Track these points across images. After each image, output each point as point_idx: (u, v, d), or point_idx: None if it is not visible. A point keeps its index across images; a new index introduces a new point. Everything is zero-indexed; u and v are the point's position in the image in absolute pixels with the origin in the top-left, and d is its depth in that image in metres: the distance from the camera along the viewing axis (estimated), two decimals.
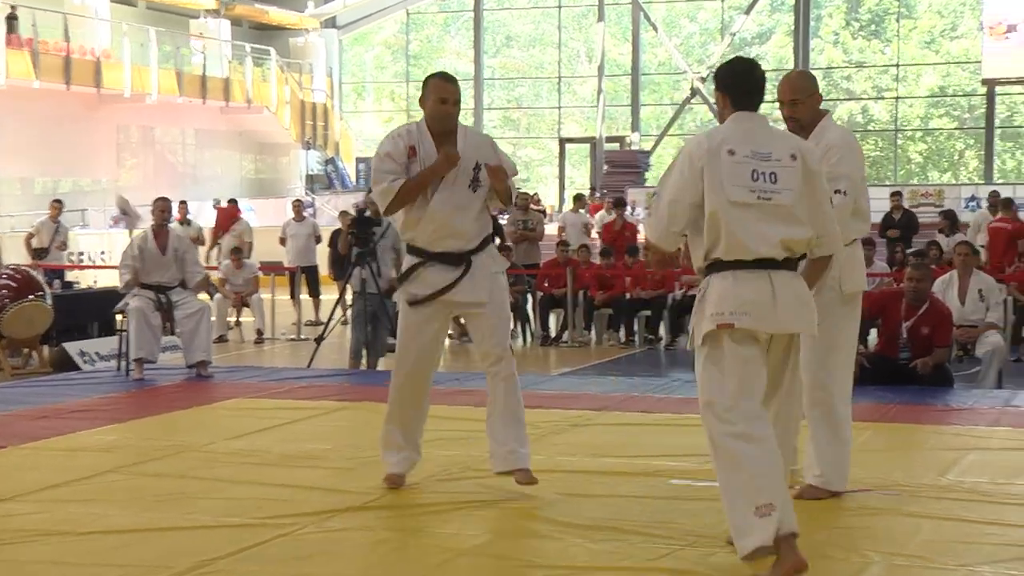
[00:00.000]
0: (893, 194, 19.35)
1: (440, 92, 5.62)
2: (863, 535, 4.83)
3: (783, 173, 4.33)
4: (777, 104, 5.40)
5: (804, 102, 5.30)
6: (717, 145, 4.34)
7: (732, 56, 4.85)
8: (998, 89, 32.75)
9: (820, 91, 5.39)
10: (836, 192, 4.92)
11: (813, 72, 34.26)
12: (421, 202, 5.54)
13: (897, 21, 34.88)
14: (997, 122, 33.58)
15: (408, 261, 5.70)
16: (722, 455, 4.23)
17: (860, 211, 5.22)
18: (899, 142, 35.77)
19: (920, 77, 35.82)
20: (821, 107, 5.40)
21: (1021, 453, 6.36)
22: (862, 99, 36.05)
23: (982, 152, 33.71)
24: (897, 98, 34.89)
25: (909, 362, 8.81)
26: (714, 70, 5.39)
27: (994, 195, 18.74)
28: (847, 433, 5.33)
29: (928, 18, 35.72)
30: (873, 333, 9.55)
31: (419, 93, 5.66)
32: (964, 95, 35.25)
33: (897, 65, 34.92)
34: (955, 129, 36.57)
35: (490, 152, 5.71)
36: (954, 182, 34.26)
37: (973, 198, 21.59)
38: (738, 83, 4.59)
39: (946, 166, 37.18)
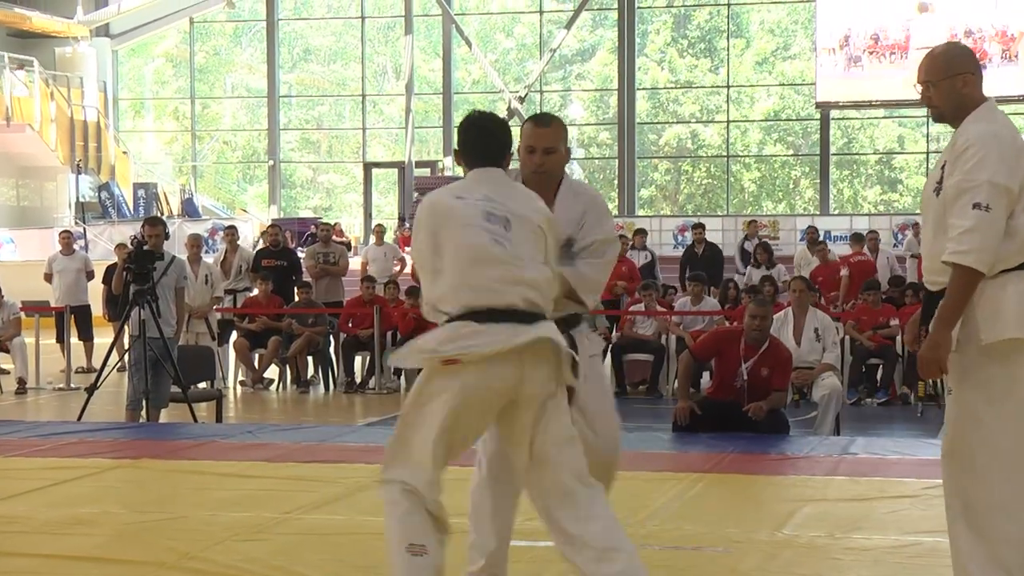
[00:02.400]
0: (695, 226, 19.79)
1: (527, 138, 4.99)
2: None
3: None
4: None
5: (938, 85, 4.60)
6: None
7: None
8: (833, 114, 34.03)
9: (972, 70, 4.61)
10: (975, 207, 4.35)
11: (640, 92, 35.07)
12: None
13: (728, 40, 35.94)
14: (833, 149, 34.87)
15: None
16: None
17: (1016, 230, 4.44)
18: (731, 169, 36.81)
19: (755, 101, 36.95)
20: (974, 95, 4.61)
21: (859, 504, 6.58)
22: (691, 123, 37.03)
23: (817, 180, 34.92)
24: (728, 122, 35.92)
25: (743, 406, 9.04)
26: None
27: (812, 231, 19.47)
28: None
29: (761, 37, 36.91)
30: (706, 376, 9.81)
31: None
32: (798, 119, 36.51)
33: (728, 87, 35.96)
34: (790, 156, 37.83)
35: (592, 222, 5.00)
36: (789, 212, 35.39)
37: (811, 229, 22.42)
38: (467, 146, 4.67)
39: (781, 195, 38.40)
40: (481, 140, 4.63)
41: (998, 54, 30.20)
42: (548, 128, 5.01)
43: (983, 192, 4.32)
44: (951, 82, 4.56)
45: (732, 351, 9.30)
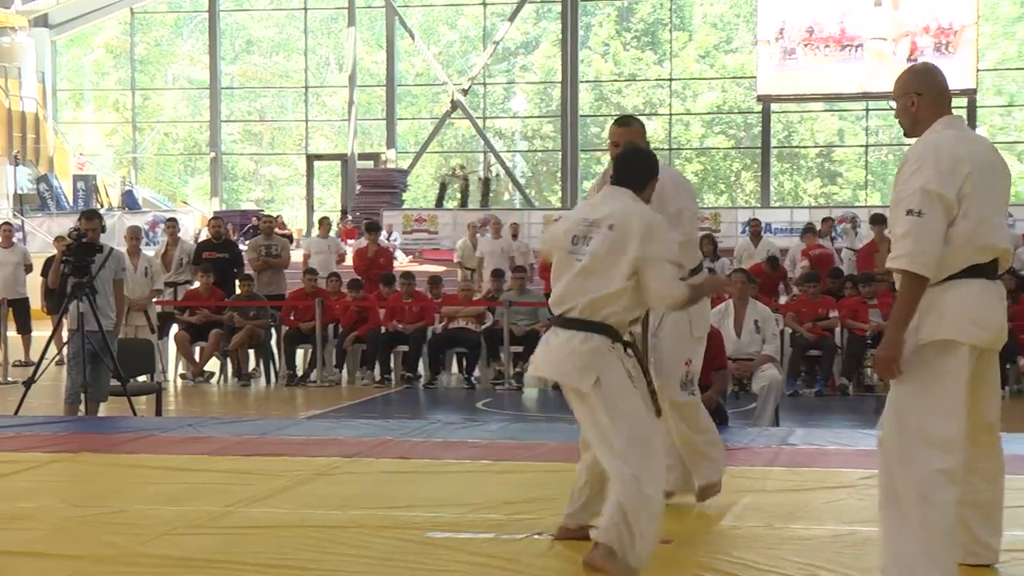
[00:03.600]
0: None
1: (611, 136, 6.04)
2: None
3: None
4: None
5: (896, 102, 5.02)
6: None
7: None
8: (774, 107, 34.26)
9: (921, 91, 4.94)
10: (908, 213, 4.68)
11: (584, 84, 35.10)
12: None
13: (671, 33, 36.08)
14: (774, 142, 35.10)
15: None
16: None
17: (952, 237, 4.71)
18: (674, 162, 36.97)
19: (698, 94, 37.11)
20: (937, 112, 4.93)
21: (797, 494, 6.63)
22: (634, 115, 37.09)
23: (759, 173, 35.15)
24: (672, 115, 36.05)
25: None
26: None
27: (755, 223, 19.58)
28: None
29: (703, 31, 37.09)
30: None
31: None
32: (740, 112, 36.71)
33: (671, 80, 36.11)
34: (731, 148, 38.03)
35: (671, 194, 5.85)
36: (731, 205, 35.61)
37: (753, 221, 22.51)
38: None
39: (723, 188, 38.62)
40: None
41: (930, 47, 30.56)
42: (627, 127, 6.01)
43: (916, 199, 4.64)
44: (903, 101, 4.97)
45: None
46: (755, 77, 33.12)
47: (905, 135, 5.03)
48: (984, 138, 5.25)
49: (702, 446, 6.19)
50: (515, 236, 22.17)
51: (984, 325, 4.74)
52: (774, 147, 35.19)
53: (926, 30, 30.91)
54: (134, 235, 15.65)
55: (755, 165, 35.98)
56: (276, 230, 19.25)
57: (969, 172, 4.69)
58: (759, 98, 33.27)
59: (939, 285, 4.68)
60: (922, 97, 4.92)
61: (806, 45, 31.96)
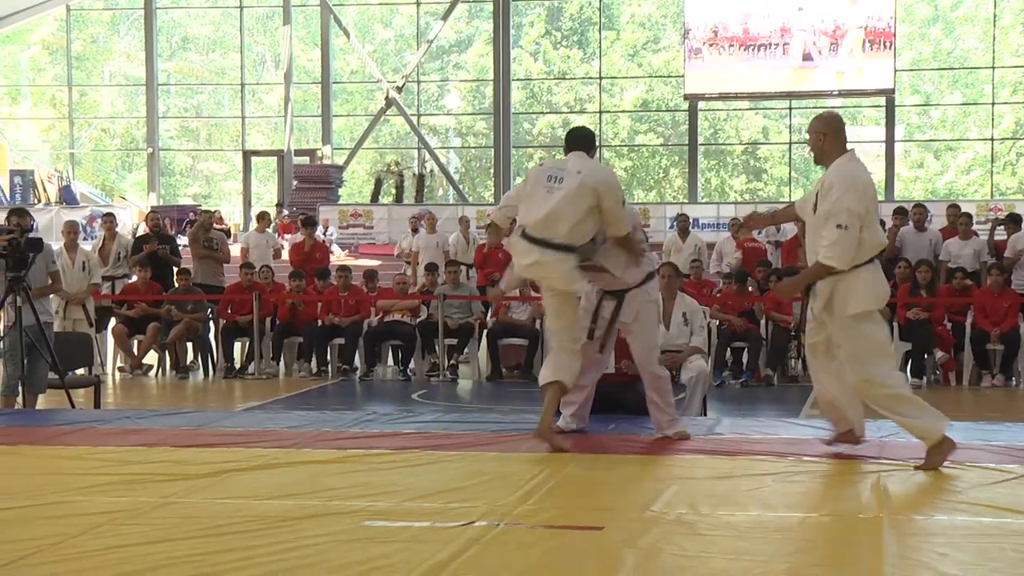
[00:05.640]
0: None
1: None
2: (565, 574, 4.97)
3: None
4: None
5: (809, 137, 7.17)
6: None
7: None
8: (701, 104, 34.44)
9: (827, 132, 7.07)
10: (838, 227, 6.82)
11: (515, 82, 35.08)
12: None
13: (599, 32, 36.18)
14: (700, 139, 35.29)
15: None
16: None
17: (863, 239, 6.95)
18: (604, 157, 37.06)
19: (625, 91, 37.24)
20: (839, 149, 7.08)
21: (724, 481, 6.67)
22: (563, 112, 37.19)
23: (686, 170, 35.33)
24: (600, 112, 36.15)
25: (608, 376, 9.13)
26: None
27: (683, 219, 19.67)
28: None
29: (631, 30, 37.22)
30: None
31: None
32: (668, 110, 36.87)
33: (600, 78, 36.21)
34: (660, 145, 38.19)
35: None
36: (659, 200, 35.77)
37: (681, 217, 22.65)
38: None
39: (651, 184, 38.77)
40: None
41: (859, 46, 30.87)
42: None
43: (843, 216, 6.81)
44: (814, 137, 7.12)
45: None
46: (682, 76, 33.28)
47: (815, 162, 7.26)
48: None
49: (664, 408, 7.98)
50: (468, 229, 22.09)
51: (883, 295, 7.14)
52: (701, 144, 35.37)
53: (851, 30, 31.19)
54: (71, 230, 15.48)
55: (683, 162, 36.16)
56: (214, 225, 19.12)
57: (872, 195, 7.00)
58: (686, 96, 33.42)
59: (852, 271, 6.89)
60: (827, 136, 7.06)
61: (731, 45, 32.16)
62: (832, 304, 6.96)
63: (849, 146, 7.13)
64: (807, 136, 7.21)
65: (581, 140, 7.55)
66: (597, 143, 7.72)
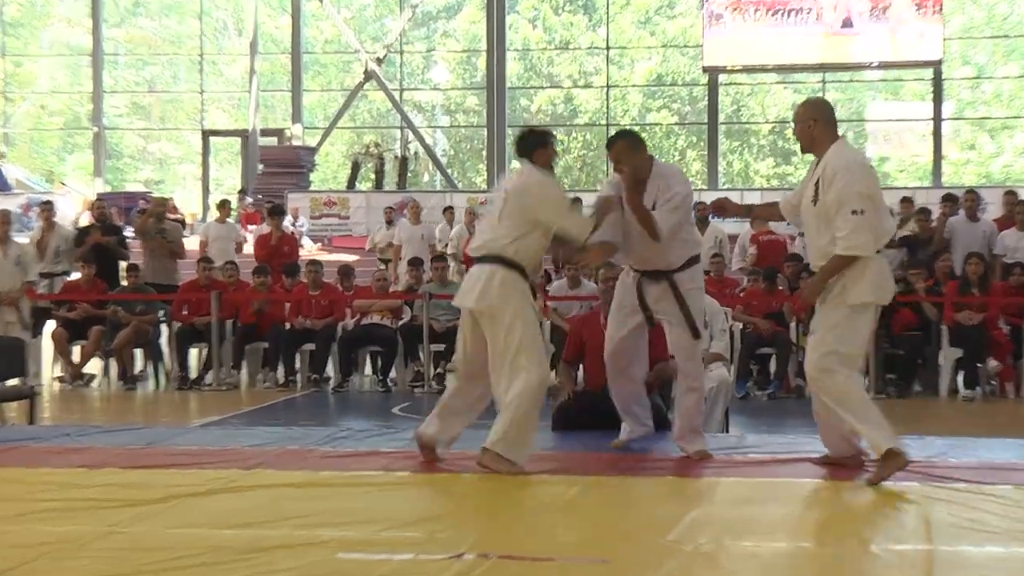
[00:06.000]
0: (572, 201, 19.57)
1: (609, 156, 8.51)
2: None
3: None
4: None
5: (796, 125, 7.57)
6: None
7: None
8: (722, 78, 34.44)
9: (817, 118, 7.47)
10: (853, 213, 7.14)
11: (511, 52, 35.09)
12: None
13: None
14: (721, 117, 35.29)
15: None
16: None
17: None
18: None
19: (636, 63, 37.24)
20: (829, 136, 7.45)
21: (749, 507, 6.64)
22: (566, 87, 37.18)
23: (705, 152, 35.34)
24: (608, 86, 36.15)
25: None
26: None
27: (701, 207, 19.60)
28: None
29: None
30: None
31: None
32: (684, 85, 36.87)
33: (607, 48, 36.21)
34: (675, 124, 38.21)
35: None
36: None
37: (699, 205, 22.55)
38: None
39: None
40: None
41: (909, 10, 30.83)
42: (612, 147, 8.33)
43: (856, 201, 7.12)
44: (802, 125, 7.49)
45: (594, 331, 9.34)
46: (701, 45, 33.27)
47: (802, 151, 7.62)
48: None
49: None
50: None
51: (889, 290, 7.44)
52: (722, 123, 35.39)
53: None
54: (4, 220, 15.45)
55: (701, 143, 36.17)
56: (168, 215, 19.09)
57: (877, 179, 7.46)
58: (705, 69, 33.41)
59: (861, 261, 7.19)
60: (817, 123, 7.41)
61: (757, 10, 32.14)
62: (832, 290, 7.29)
63: (841, 131, 7.52)
64: (793, 124, 7.60)
65: (519, 145, 8.10)
66: (548, 140, 8.06)
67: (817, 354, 7.32)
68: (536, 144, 7.98)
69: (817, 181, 7.30)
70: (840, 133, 7.53)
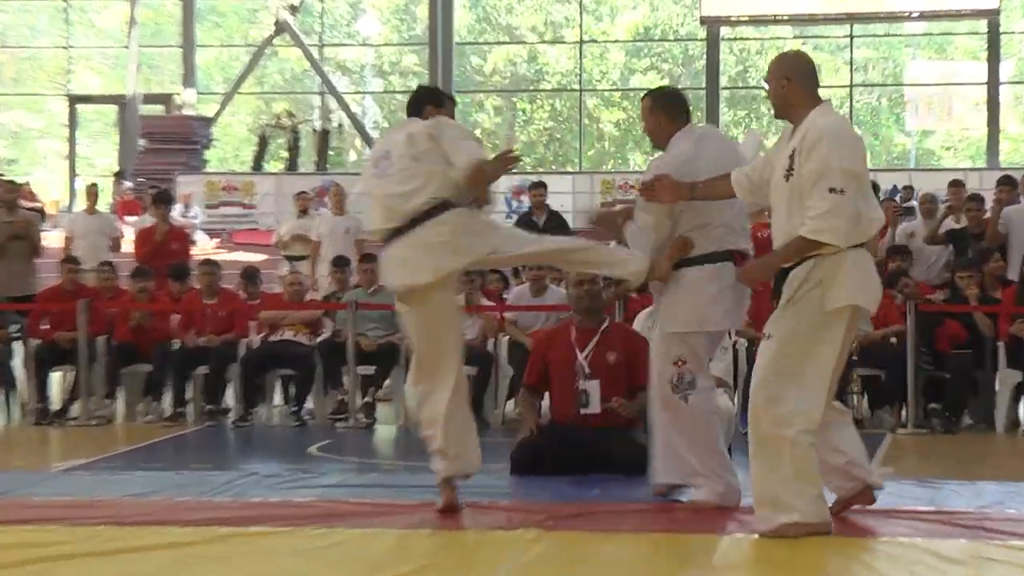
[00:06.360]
0: (534, 186, 19.39)
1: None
2: None
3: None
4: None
5: (769, 84, 7.64)
6: None
7: None
8: (724, 32, 34.56)
9: (792, 77, 7.54)
10: (831, 191, 7.05)
11: (458, 1, 35.25)
12: None
13: None
14: (724, 80, 35.41)
15: None
16: None
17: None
18: (586, 107, 37.13)
19: (617, 12, 37.34)
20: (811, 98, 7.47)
21: (753, 570, 6.68)
22: (529, 42, 37.27)
23: (704, 121, 35.44)
24: (581, 41, 36.20)
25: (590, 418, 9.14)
26: None
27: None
28: None
29: None
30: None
31: None
32: (678, 40, 37.03)
33: None
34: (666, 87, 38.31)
35: None
36: None
37: None
38: None
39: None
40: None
41: None
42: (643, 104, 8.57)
43: (837, 177, 7.02)
44: (775, 84, 7.55)
45: (563, 347, 9.38)
46: None
47: (776, 116, 7.65)
48: None
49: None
50: None
51: (875, 294, 7.41)
52: (724, 87, 35.52)
53: None
54: None
55: (698, 111, 36.29)
56: (21, 202, 19.02)
57: (864, 156, 7.38)
58: (703, 20, 33.53)
59: (837, 254, 7.11)
60: (791, 82, 7.47)
61: None
62: (797, 287, 7.25)
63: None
64: (765, 85, 7.72)
65: (410, 105, 8.47)
66: (443, 100, 8.49)
67: (758, 378, 7.47)
68: (426, 101, 8.32)
69: (792, 152, 7.23)
70: (827, 97, 7.56)
